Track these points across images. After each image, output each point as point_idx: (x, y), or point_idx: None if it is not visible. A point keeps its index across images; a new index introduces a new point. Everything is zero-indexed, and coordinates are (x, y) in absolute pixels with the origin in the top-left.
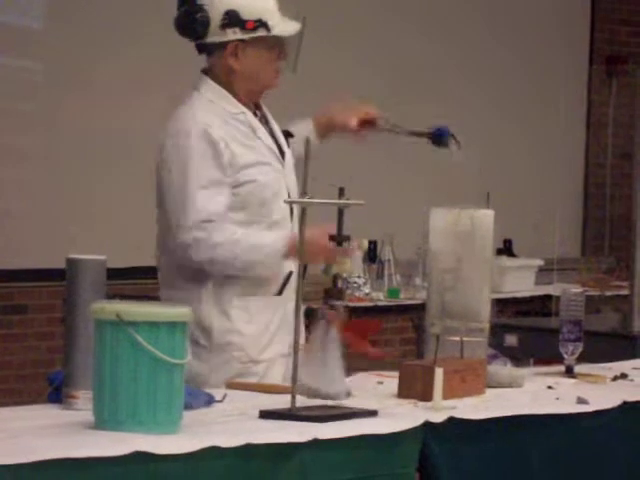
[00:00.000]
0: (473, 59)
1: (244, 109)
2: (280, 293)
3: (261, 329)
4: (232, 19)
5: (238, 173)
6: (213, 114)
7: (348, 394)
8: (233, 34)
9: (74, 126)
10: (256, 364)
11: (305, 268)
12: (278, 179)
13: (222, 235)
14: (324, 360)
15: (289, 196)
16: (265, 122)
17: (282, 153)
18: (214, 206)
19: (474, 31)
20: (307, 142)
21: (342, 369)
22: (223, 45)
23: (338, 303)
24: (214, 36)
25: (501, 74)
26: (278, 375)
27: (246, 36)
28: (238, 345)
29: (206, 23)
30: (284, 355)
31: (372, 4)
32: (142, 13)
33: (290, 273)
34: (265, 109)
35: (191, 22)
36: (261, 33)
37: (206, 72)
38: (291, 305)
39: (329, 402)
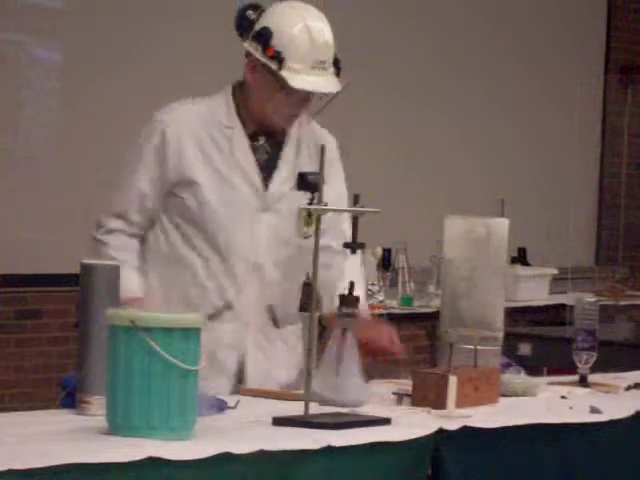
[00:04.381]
0: (488, 69)
1: (238, 125)
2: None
3: None
4: (262, 36)
5: (180, 178)
6: (195, 116)
7: (364, 402)
8: (255, 50)
9: (93, 119)
10: None
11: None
12: (238, 207)
13: (116, 242)
14: (342, 368)
15: (253, 237)
16: (266, 151)
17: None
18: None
19: (489, 41)
20: (322, 149)
21: (361, 376)
22: (249, 55)
23: (353, 311)
24: (247, 41)
25: (517, 83)
26: None
27: (262, 59)
28: None
29: (247, 25)
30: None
31: (391, 19)
32: None
33: (226, 304)
34: (292, 141)
35: (240, 18)
36: (271, 65)
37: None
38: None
39: (343, 409)
